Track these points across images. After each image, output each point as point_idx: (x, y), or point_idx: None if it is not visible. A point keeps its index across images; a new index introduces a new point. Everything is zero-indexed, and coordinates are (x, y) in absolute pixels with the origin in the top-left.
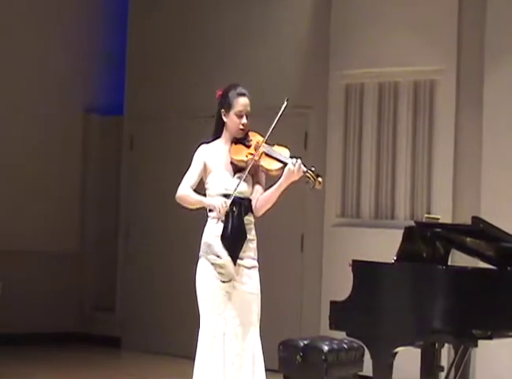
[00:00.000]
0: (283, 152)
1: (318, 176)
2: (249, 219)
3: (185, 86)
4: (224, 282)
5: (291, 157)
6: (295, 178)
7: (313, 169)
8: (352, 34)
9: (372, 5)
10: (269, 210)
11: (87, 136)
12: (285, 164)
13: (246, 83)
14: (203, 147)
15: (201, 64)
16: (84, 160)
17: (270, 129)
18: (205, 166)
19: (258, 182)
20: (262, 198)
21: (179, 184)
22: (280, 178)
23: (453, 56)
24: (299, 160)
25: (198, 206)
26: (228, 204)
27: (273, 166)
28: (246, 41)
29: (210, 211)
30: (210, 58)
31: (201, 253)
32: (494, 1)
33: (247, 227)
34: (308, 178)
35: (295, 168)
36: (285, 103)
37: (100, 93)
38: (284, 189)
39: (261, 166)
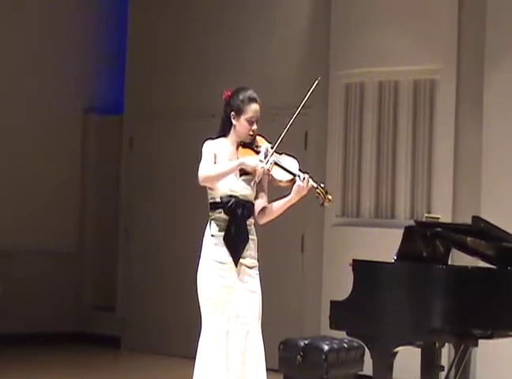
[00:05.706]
0: (292, 164)
1: (327, 193)
2: (250, 221)
3: (184, 86)
4: (225, 281)
5: (299, 171)
6: (305, 192)
7: (322, 185)
8: (352, 33)
9: (372, 5)
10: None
11: (86, 136)
12: (294, 176)
13: (246, 83)
14: (210, 142)
15: (201, 64)
16: (84, 160)
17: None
18: (215, 158)
19: (262, 188)
20: (269, 210)
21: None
22: (289, 192)
23: (453, 55)
24: (306, 176)
25: (234, 172)
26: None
27: (283, 177)
28: (246, 41)
29: (212, 210)
30: (210, 57)
31: (202, 252)
32: (494, 1)
33: (248, 228)
34: (318, 194)
35: (303, 184)
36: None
37: (100, 93)
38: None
39: (272, 176)
